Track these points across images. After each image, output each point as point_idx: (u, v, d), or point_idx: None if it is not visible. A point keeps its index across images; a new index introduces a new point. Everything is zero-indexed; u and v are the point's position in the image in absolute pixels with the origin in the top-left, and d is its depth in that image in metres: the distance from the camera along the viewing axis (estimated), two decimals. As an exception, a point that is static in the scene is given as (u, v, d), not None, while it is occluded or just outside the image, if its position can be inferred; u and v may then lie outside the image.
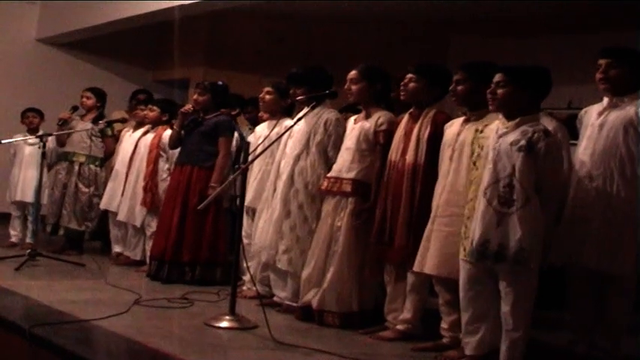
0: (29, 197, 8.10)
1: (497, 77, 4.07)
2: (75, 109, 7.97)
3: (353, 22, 9.81)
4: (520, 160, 3.87)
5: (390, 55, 8.44)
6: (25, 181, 8.21)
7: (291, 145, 5.51)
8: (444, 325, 4.53)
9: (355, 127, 5.20)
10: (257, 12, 9.70)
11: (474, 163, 4.18)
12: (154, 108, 7.42)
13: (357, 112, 5.40)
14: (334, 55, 8.78)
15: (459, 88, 4.46)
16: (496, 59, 4.51)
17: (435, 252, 4.37)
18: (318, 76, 5.61)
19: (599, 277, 4.29)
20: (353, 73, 5.21)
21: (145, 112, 7.52)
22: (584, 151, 4.33)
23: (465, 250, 4.07)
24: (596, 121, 4.34)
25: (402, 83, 4.89)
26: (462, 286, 4.10)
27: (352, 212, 5.05)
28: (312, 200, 5.33)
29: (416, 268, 4.49)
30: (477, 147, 4.18)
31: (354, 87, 5.19)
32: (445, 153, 4.52)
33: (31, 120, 8.33)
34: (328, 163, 5.33)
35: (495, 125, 4.11)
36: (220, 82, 6.85)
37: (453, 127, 4.55)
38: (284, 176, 5.45)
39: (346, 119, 5.45)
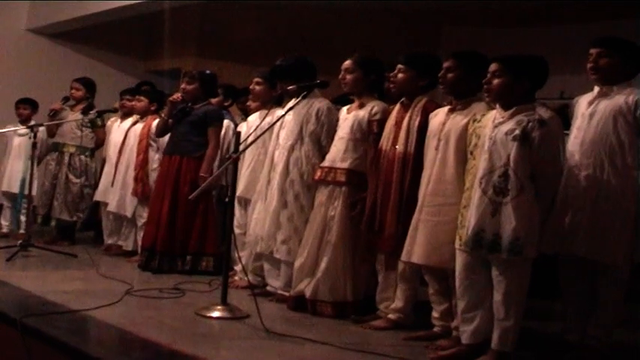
0: (17, 188, 8.10)
1: (493, 67, 4.07)
2: (66, 99, 7.98)
3: (345, 11, 9.80)
4: (514, 149, 3.88)
5: (383, 45, 8.43)
6: (13, 172, 8.21)
7: (284, 135, 5.51)
8: (434, 314, 4.55)
9: (348, 116, 5.19)
10: (248, 1, 9.68)
11: (471, 153, 4.17)
12: (142, 98, 7.43)
13: (348, 103, 5.39)
14: (326, 45, 8.78)
15: (449, 75, 4.44)
16: (488, 49, 4.51)
17: (423, 241, 4.37)
18: (301, 67, 5.60)
19: (591, 266, 4.30)
20: (347, 62, 5.20)
21: (133, 103, 7.52)
22: (574, 141, 4.33)
23: (460, 239, 4.07)
24: (587, 110, 4.34)
25: (391, 74, 4.89)
26: (457, 275, 4.10)
27: (346, 202, 5.05)
28: (308, 190, 5.33)
29: (404, 257, 4.49)
30: (474, 136, 4.16)
31: (348, 76, 5.18)
32: (431, 143, 4.51)
33: (21, 111, 8.33)
34: (322, 152, 5.33)
35: (492, 115, 4.11)
36: (208, 71, 6.83)
37: (438, 117, 4.55)
38: (279, 167, 5.44)
39: (338, 110, 5.44)
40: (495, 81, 4.04)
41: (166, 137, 6.77)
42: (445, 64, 4.47)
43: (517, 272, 3.90)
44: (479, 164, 4.02)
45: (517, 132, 3.89)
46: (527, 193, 3.86)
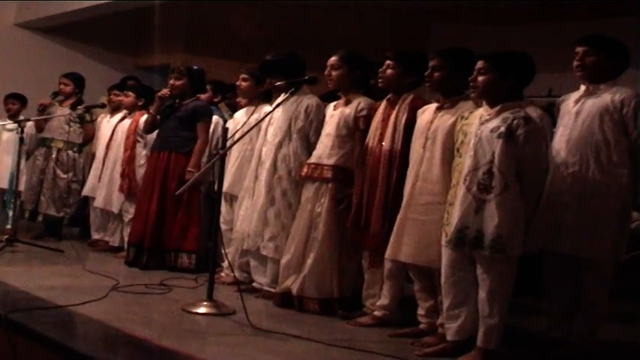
0: (5, 183, 8.08)
1: (479, 64, 4.08)
2: (55, 94, 7.95)
3: (335, 8, 9.80)
4: (499, 146, 3.88)
5: (371, 42, 8.44)
6: (1, 168, 8.20)
7: (272, 132, 5.50)
8: (420, 311, 4.55)
9: (335, 113, 5.19)
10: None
11: (457, 150, 4.17)
12: (129, 93, 7.41)
13: (337, 99, 5.38)
14: (314, 41, 8.76)
15: (435, 74, 4.44)
16: (477, 47, 4.51)
17: (411, 240, 4.37)
18: (291, 63, 5.59)
19: (576, 263, 4.32)
20: (333, 59, 5.20)
21: (120, 98, 7.51)
22: (560, 138, 4.34)
23: (446, 236, 4.07)
24: (573, 108, 4.36)
25: (379, 70, 4.89)
26: (443, 272, 4.10)
27: (332, 198, 5.05)
28: (295, 187, 5.33)
29: (390, 256, 4.49)
30: (461, 134, 4.17)
31: (334, 73, 5.19)
32: (417, 141, 4.50)
33: (10, 106, 8.31)
34: (310, 149, 5.33)
35: (479, 112, 4.12)
36: (196, 67, 6.81)
37: (425, 115, 4.54)
38: (267, 164, 5.44)
39: (326, 106, 5.44)
40: (480, 78, 4.04)
41: (154, 133, 6.76)
42: (431, 63, 4.46)
43: (501, 270, 3.91)
44: (464, 161, 4.03)
45: (502, 129, 3.89)
46: (511, 190, 3.86)
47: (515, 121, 3.90)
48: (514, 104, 4.01)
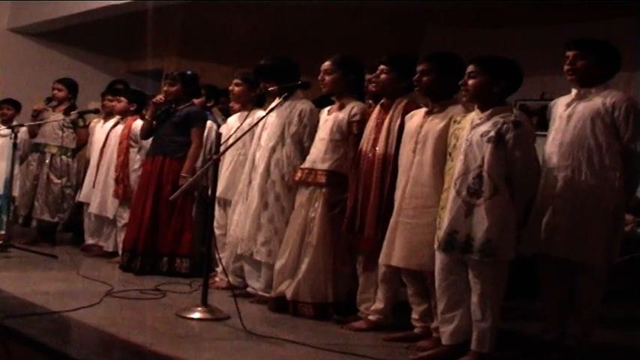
0: (0, 189, 8.06)
1: (470, 68, 4.09)
2: (49, 100, 7.95)
3: (330, 11, 9.81)
4: (489, 151, 3.90)
5: (367, 44, 8.45)
6: (-5, 173, 8.18)
7: (266, 136, 5.50)
8: (414, 315, 4.55)
9: (329, 118, 5.20)
10: (232, 2, 9.68)
11: (450, 154, 4.18)
12: (121, 99, 7.41)
13: (331, 104, 5.39)
14: (311, 44, 8.79)
15: (424, 79, 4.43)
16: (470, 49, 4.53)
17: (403, 244, 4.37)
18: (284, 67, 5.59)
19: (570, 267, 4.33)
20: (327, 63, 5.20)
21: (113, 104, 7.51)
22: (552, 142, 4.36)
23: (438, 239, 4.07)
24: (564, 112, 4.37)
25: (373, 75, 4.90)
26: (437, 276, 4.11)
27: (326, 203, 5.05)
28: (288, 191, 5.32)
29: (382, 260, 4.49)
30: (454, 138, 4.17)
31: (327, 77, 5.18)
32: (407, 145, 4.50)
33: (5, 112, 8.30)
34: (303, 154, 5.32)
35: (471, 116, 4.12)
36: (189, 72, 6.82)
37: (414, 119, 4.54)
38: (260, 168, 5.43)
39: (319, 111, 5.44)
40: (471, 81, 4.06)
41: (150, 138, 6.76)
42: (419, 67, 4.45)
43: (492, 274, 3.92)
44: (456, 165, 4.03)
45: (492, 134, 3.91)
46: (501, 195, 3.88)
47: (505, 126, 3.91)
48: (504, 108, 4.03)
